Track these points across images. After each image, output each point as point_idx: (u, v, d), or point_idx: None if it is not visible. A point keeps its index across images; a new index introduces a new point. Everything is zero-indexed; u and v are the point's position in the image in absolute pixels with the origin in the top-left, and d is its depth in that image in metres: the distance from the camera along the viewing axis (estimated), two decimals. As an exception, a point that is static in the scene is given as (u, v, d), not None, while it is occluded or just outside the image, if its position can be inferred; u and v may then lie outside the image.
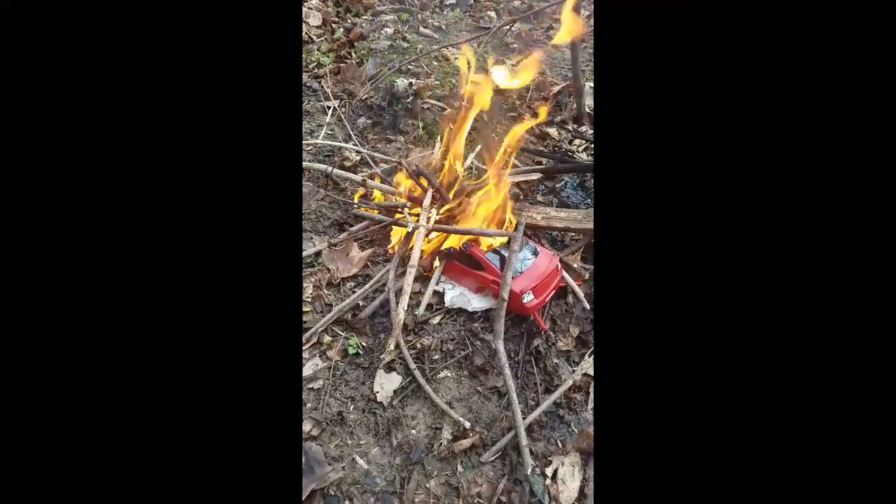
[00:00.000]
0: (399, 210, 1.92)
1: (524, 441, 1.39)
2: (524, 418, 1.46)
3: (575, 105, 2.81)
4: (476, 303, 1.73)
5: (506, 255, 1.66)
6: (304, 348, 1.63)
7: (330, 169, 2.19)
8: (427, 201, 1.79)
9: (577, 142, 2.64)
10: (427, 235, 1.84)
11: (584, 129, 2.78)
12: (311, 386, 1.55)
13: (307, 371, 1.58)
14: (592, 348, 1.68)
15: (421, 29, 3.66)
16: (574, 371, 1.60)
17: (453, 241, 1.79)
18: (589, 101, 2.89)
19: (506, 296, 1.56)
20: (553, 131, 2.69)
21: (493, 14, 4.22)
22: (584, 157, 2.54)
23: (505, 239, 1.73)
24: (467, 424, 1.45)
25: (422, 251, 1.86)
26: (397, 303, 1.62)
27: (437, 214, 1.81)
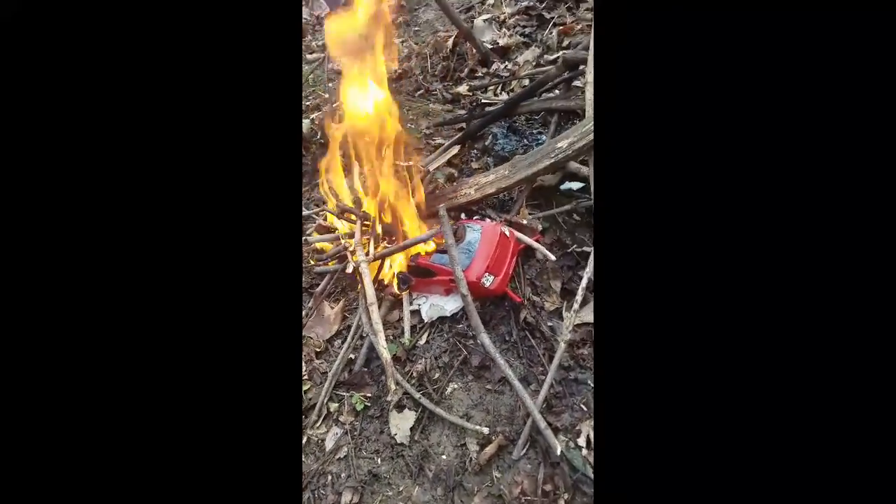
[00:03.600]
0: (344, 253, 1.85)
1: (542, 423, 1.31)
2: (536, 399, 1.38)
3: (473, 49, 2.58)
4: (449, 305, 1.64)
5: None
6: (318, 422, 1.63)
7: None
8: (357, 234, 1.70)
9: (491, 87, 2.43)
10: (380, 267, 1.77)
11: (494, 67, 2.56)
12: (338, 457, 1.54)
13: (329, 444, 1.58)
14: (577, 300, 1.55)
15: (307, 56, 3.50)
16: (568, 327, 1.48)
17: (402, 263, 1.70)
18: (485, 38, 2.65)
19: (465, 291, 1.46)
20: (462, 88, 2.49)
21: None
22: (504, 98, 2.34)
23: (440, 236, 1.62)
24: (485, 430, 1.39)
25: (382, 282, 1.79)
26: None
27: (376, 242, 1.72)
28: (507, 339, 1.59)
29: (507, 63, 2.58)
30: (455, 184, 1.94)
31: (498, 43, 2.66)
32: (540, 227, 1.69)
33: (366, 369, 1.69)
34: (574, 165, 1.84)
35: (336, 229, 1.91)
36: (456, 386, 1.56)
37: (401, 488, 1.43)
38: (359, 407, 1.60)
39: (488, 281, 1.51)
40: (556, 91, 2.07)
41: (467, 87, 2.47)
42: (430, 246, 1.72)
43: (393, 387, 1.51)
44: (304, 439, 1.59)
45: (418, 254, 1.63)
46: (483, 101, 2.40)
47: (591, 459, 1.29)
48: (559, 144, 1.60)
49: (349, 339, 1.75)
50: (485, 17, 2.86)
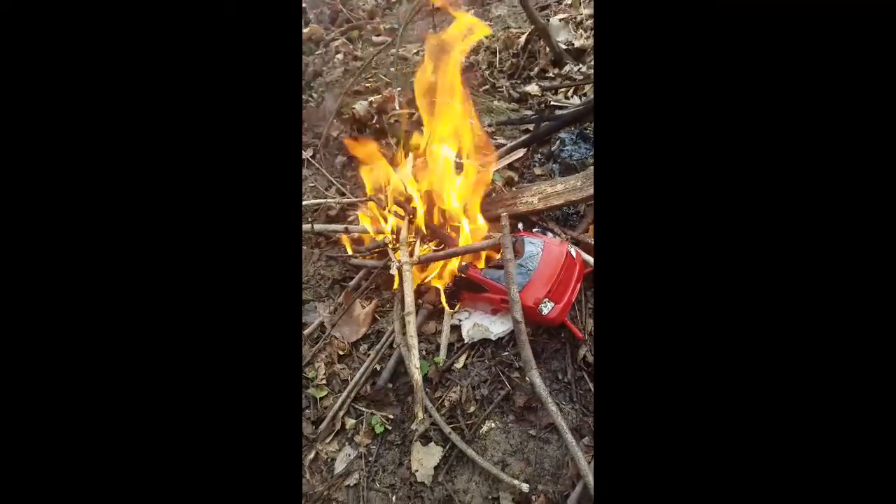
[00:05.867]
0: (385, 248, 1.63)
1: (599, 495, 1.04)
2: (590, 457, 1.10)
3: (547, 48, 2.31)
4: (496, 328, 1.39)
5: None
6: (328, 438, 1.41)
7: (311, 226, 1.94)
8: (404, 232, 1.47)
9: (562, 89, 2.16)
10: (425, 270, 1.54)
11: (567, 69, 2.28)
12: (347, 483, 1.32)
13: (340, 466, 1.35)
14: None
15: (373, 38, 3.32)
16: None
17: (452, 267, 1.46)
18: (560, 37, 2.38)
19: (519, 316, 1.21)
20: (532, 87, 2.22)
21: (440, -10, 3.75)
22: (576, 102, 2.06)
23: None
24: (525, 487, 1.13)
25: (427, 286, 1.56)
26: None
27: (423, 244, 1.49)
28: (559, 377, 1.32)
29: (580, 66, 2.31)
30: (515, 189, 1.69)
31: (573, 44, 2.39)
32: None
33: (391, 385, 1.46)
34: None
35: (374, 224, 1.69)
36: (493, 425, 1.30)
37: (415, 537, 1.19)
38: (378, 429, 1.37)
39: (547, 308, 1.25)
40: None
41: (537, 87, 2.21)
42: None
43: (420, 415, 1.27)
44: (312, 454, 1.37)
45: (469, 263, 1.39)
46: (553, 103, 2.13)
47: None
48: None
49: (378, 346, 1.53)
50: (561, 16, 2.59)
